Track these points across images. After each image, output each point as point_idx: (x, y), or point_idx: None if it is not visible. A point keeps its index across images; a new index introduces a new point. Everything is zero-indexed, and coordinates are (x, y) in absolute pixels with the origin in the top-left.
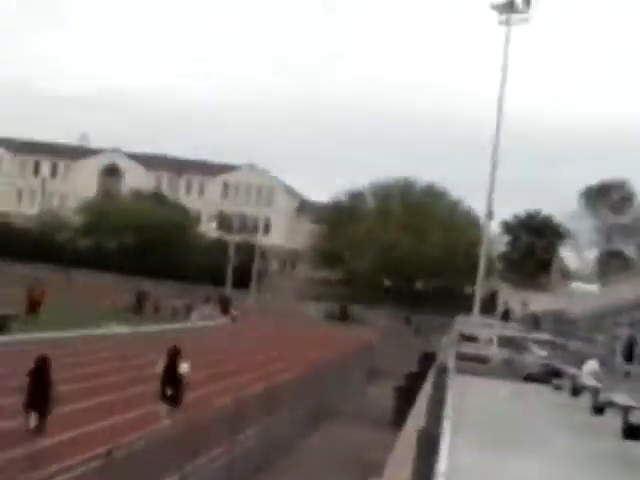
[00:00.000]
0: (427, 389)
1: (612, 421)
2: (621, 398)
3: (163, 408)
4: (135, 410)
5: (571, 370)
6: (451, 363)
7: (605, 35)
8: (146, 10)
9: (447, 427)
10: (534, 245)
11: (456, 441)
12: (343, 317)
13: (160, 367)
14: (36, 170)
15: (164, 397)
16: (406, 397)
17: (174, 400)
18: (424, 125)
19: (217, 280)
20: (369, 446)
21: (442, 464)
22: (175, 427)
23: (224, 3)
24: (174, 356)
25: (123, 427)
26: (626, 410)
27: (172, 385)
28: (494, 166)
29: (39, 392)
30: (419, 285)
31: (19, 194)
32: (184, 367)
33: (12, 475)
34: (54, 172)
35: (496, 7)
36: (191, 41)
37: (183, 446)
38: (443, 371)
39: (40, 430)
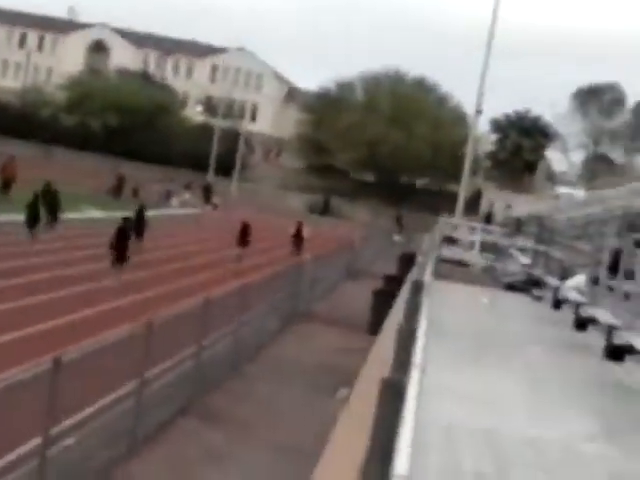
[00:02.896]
0: (404, 295)
1: (594, 339)
2: (604, 315)
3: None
4: None
5: (553, 281)
6: (429, 269)
7: None
8: None
9: (421, 342)
10: (521, 145)
11: (429, 355)
12: (325, 211)
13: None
14: (22, 42)
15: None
16: (384, 301)
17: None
18: (418, 16)
19: (199, 166)
20: (342, 353)
21: (414, 379)
22: None
23: None
24: (300, 225)
25: None
26: (609, 329)
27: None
28: (486, 60)
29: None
30: (404, 181)
31: (4, 66)
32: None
33: None
34: (41, 45)
35: None
36: None
37: None
38: (419, 284)
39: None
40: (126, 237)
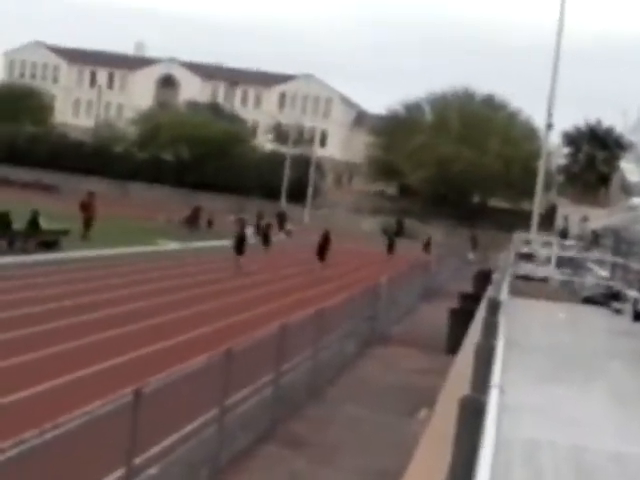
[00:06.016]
0: (481, 313)
1: None
2: None
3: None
4: None
5: (632, 293)
6: (505, 286)
7: None
8: None
9: (499, 360)
10: (595, 157)
11: (509, 374)
12: (399, 232)
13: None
14: (92, 80)
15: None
16: (461, 320)
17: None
18: (482, 32)
19: (271, 194)
20: (421, 374)
21: (494, 399)
22: None
23: None
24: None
25: None
26: None
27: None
28: (554, 73)
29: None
30: (476, 200)
31: (76, 104)
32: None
33: None
34: (111, 82)
35: None
36: None
37: None
38: (496, 302)
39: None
40: (326, 245)
